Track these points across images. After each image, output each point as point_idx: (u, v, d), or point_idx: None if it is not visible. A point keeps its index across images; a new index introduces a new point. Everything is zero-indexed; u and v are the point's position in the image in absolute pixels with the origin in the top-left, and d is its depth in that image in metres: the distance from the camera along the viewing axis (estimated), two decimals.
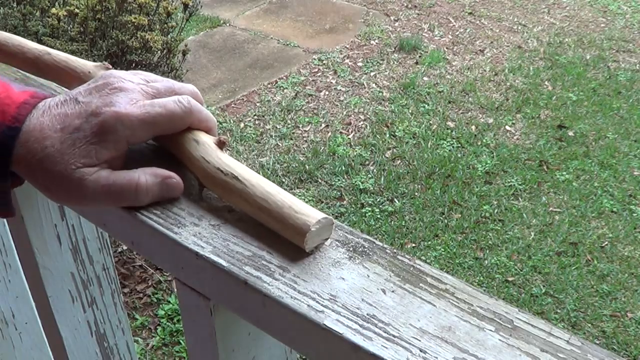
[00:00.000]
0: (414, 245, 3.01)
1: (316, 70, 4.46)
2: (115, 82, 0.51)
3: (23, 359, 0.99)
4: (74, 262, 0.78)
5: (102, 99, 0.49)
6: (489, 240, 3.03)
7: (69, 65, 0.64)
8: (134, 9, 2.65)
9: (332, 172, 3.46)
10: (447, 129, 3.84)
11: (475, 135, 3.78)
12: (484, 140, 3.73)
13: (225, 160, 0.50)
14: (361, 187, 3.35)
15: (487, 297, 0.42)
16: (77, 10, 2.52)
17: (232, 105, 4.08)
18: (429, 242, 3.01)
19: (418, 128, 3.83)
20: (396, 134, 3.79)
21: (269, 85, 4.28)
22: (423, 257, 2.90)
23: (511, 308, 0.41)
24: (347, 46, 4.79)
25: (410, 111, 4.00)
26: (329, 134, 3.80)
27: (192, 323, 0.53)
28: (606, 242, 3.02)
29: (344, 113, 4.00)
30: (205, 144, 0.52)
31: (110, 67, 0.64)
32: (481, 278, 2.83)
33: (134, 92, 0.51)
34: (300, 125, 3.88)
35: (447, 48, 4.77)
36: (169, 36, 2.83)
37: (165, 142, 0.56)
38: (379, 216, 3.17)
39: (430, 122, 3.90)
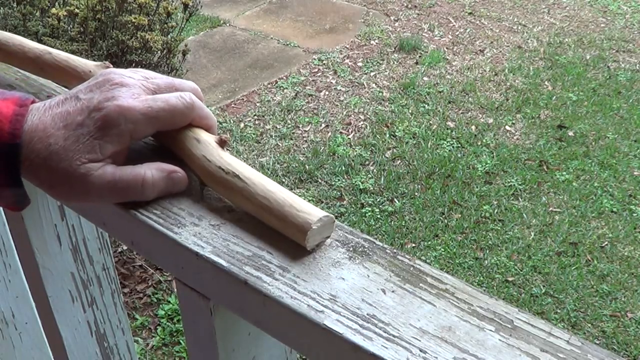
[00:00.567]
0: (414, 245, 3.01)
1: (316, 70, 4.46)
2: (116, 78, 0.51)
3: (23, 359, 0.99)
4: (74, 262, 0.78)
5: (103, 94, 0.49)
6: (489, 240, 3.03)
7: (70, 65, 0.64)
8: (134, 9, 2.65)
9: (332, 172, 3.46)
10: (447, 129, 3.84)
11: (475, 135, 3.78)
12: (484, 140, 3.73)
13: (227, 159, 0.51)
14: (361, 187, 3.35)
15: (487, 297, 0.42)
16: (77, 10, 2.52)
17: (232, 105, 4.08)
18: (429, 242, 3.01)
19: (418, 128, 3.83)
20: (396, 134, 3.79)
21: (269, 85, 4.28)
22: (423, 257, 2.90)
23: (511, 308, 0.41)
24: (347, 46, 4.79)
25: (410, 111, 4.00)
26: (329, 134, 3.80)
27: (192, 323, 0.53)
28: (606, 242, 3.02)
29: (344, 113, 4.00)
30: (207, 143, 0.52)
31: (111, 66, 0.64)
32: (481, 278, 2.83)
33: (135, 87, 0.51)
34: (300, 125, 3.88)
35: (447, 48, 4.77)
36: (169, 36, 2.83)
37: (167, 140, 0.56)
38: (379, 216, 3.17)
39: (430, 122, 3.90)
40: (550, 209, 3.23)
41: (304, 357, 0.44)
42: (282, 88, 4.25)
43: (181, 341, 2.47)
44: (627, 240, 3.03)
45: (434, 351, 0.38)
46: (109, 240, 0.80)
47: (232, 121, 3.89)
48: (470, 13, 5.35)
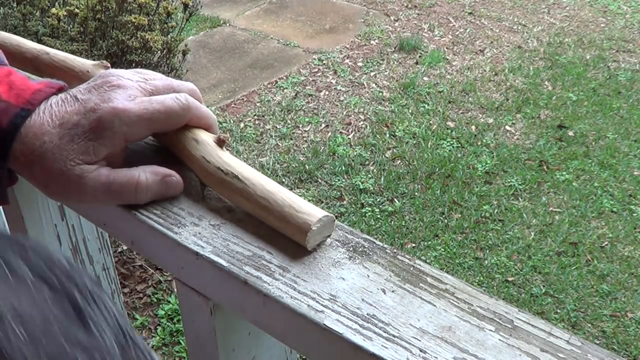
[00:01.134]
0: (414, 245, 3.01)
1: (316, 70, 4.46)
2: (114, 79, 0.51)
3: None
4: (74, 262, 0.78)
5: (100, 95, 0.50)
6: (489, 240, 3.03)
7: (67, 65, 0.64)
8: (134, 9, 2.65)
9: (332, 172, 3.46)
10: (447, 129, 3.84)
11: (475, 135, 3.78)
12: (484, 140, 3.73)
13: (226, 159, 0.51)
14: (361, 187, 3.35)
15: (487, 297, 0.42)
16: (77, 10, 2.52)
17: (232, 105, 4.08)
18: (429, 242, 3.01)
19: (418, 128, 3.83)
20: (396, 134, 3.79)
21: (269, 85, 4.28)
22: (423, 257, 2.90)
23: (511, 308, 0.41)
24: (347, 46, 4.79)
25: (410, 111, 4.00)
26: (329, 134, 3.80)
27: (192, 323, 0.53)
28: (606, 242, 3.02)
29: (344, 113, 4.00)
30: (205, 143, 0.52)
31: (109, 65, 0.64)
32: (481, 278, 2.83)
33: (132, 89, 0.51)
34: (300, 125, 3.88)
35: (447, 48, 4.77)
36: (169, 36, 2.83)
37: (166, 141, 0.56)
38: (379, 216, 3.17)
39: (430, 122, 3.90)
40: (550, 209, 3.23)
41: (304, 357, 0.44)
42: (282, 88, 4.25)
43: (181, 341, 2.47)
44: (627, 240, 3.03)
45: (434, 351, 0.38)
46: (109, 240, 0.80)
47: (232, 121, 3.89)
48: (470, 13, 5.35)
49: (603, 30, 5.04)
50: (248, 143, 3.71)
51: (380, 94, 4.19)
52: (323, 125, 3.88)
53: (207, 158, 0.51)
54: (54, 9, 2.59)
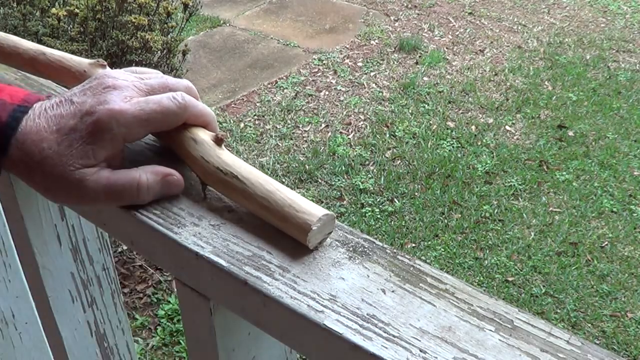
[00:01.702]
0: (414, 245, 3.01)
1: (316, 70, 4.46)
2: (109, 80, 0.51)
3: (23, 359, 0.99)
4: (74, 262, 0.78)
5: (95, 97, 0.49)
6: (489, 240, 3.03)
7: (64, 65, 0.64)
8: (134, 9, 2.65)
9: (332, 172, 3.46)
10: (447, 129, 3.84)
11: (475, 135, 3.78)
12: (484, 140, 3.73)
13: (225, 159, 0.50)
14: (361, 187, 3.35)
15: (487, 297, 0.42)
16: (77, 10, 2.52)
17: (232, 105, 4.08)
18: (429, 242, 3.01)
19: (418, 128, 3.83)
20: (396, 134, 3.79)
21: (269, 85, 4.28)
22: (423, 257, 2.90)
23: (511, 308, 0.41)
24: (347, 46, 4.79)
25: (410, 111, 4.00)
26: (329, 134, 3.80)
27: (192, 323, 0.53)
28: (606, 242, 3.02)
29: (344, 113, 4.00)
30: (204, 142, 0.52)
31: (105, 64, 0.64)
32: (481, 278, 2.83)
33: (128, 90, 0.51)
34: (300, 125, 3.88)
35: (447, 48, 4.77)
36: (169, 36, 2.83)
37: (166, 141, 0.56)
38: (379, 216, 3.17)
39: (430, 122, 3.90)
40: (550, 209, 3.23)
41: (304, 357, 0.44)
42: (282, 88, 4.25)
43: (181, 341, 2.47)
44: (627, 240, 3.03)
45: (433, 351, 0.38)
46: (109, 240, 0.80)
47: (232, 121, 3.89)
48: (470, 13, 5.35)
49: (603, 30, 5.04)
50: (248, 143, 3.71)
51: (380, 94, 4.19)
52: (323, 125, 3.88)
53: (206, 158, 0.51)
54: (54, 9, 2.59)
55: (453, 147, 3.67)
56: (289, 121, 3.91)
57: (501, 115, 3.97)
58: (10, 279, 0.91)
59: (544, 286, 2.79)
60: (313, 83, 4.32)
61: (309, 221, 0.45)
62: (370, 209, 3.21)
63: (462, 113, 4.01)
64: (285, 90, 4.22)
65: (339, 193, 3.32)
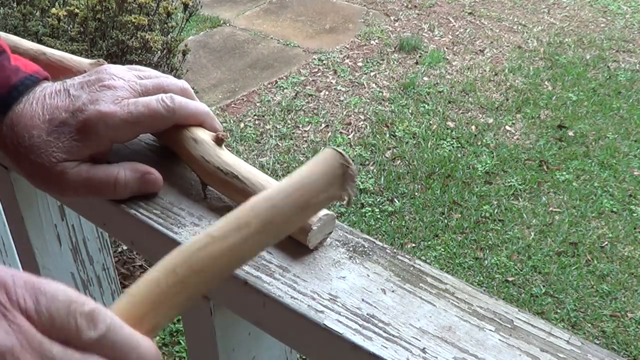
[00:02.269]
0: (414, 245, 3.01)
1: (316, 70, 4.46)
2: (107, 78, 0.52)
3: None
4: (74, 262, 0.78)
5: (90, 95, 0.51)
6: (489, 240, 3.03)
7: (64, 65, 0.64)
8: (134, 9, 2.64)
9: None
10: (447, 129, 3.84)
11: (475, 135, 3.78)
12: (484, 140, 3.73)
13: (225, 159, 0.50)
14: (361, 187, 3.35)
15: (487, 297, 0.42)
16: (77, 10, 2.52)
17: (232, 105, 4.08)
18: (429, 242, 3.01)
19: (418, 128, 3.83)
20: (396, 134, 3.79)
21: (269, 85, 4.28)
22: (423, 257, 2.90)
23: (511, 308, 0.41)
24: (347, 46, 4.78)
25: (410, 111, 4.00)
26: (329, 134, 3.80)
27: (192, 323, 0.53)
28: (606, 242, 3.02)
29: (344, 113, 4.00)
30: (204, 142, 0.52)
31: (105, 63, 0.64)
32: (481, 278, 2.83)
33: (122, 90, 0.52)
34: (300, 125, 3.88)
35: (447, 48, 4.77)
36: (169, 36, 2.83)
37: (166, 140, 0.56)
38: (379, 216, 3.17)
39: (430, 122, 3.90)
40: (550, 209, 3.23)
41: (304, 357, 0.44)
42: (282, 88, 4.25)
43: (181, 341, 2.47)
44: (627, 240, 3.03)
45: (434, 351, 0.38)
46: (109, 240, 0.80)
47: (232, 121, 3.89)
48: (470, 13, 5.35)
49: (603, 30, 5.04)
50: (248, 143, 3.71)
51: (380, 94, 4.19)
52: (323, 125, 3.88)
53: (207, 158, 0.51)
54: (54, 9, 2.59)
55: (453, 147, 3.67)
56: (289, 121, 3.91)
57: (501, 115, 3.97)
58: None
59: (544, 286, 2.79)
60: (313, 83, 4.32)
61: (309, 221, 0.45)
62: (370, 209, 3.21)
63: (462, 113, 4.01)
64: (285, 90, 4.22)
65: None
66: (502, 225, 3.12)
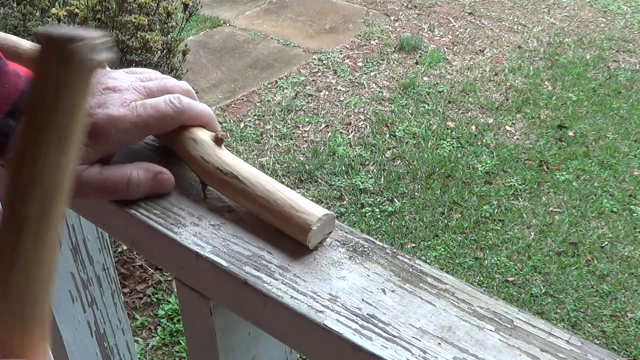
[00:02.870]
0: (414, 245, 3.01)
1: (316, 70, 4.46)
2: (110, 82, 0.52)
3: None
4: (74, 262, 0.78)
5: (95, 98, 0.50)
6: (489, 240, 3.03)
7: None
8: (134, 9, 2.64)
9: (332, 172, 3.46)
10: (447, 129, 3.83)
11: (475, 135, 3.78)
12: (484, 140, 3.73)
13: (225, 159, 0.50)
14: (361, 187, 3.35)
15: (487, 297, 0.42)
16: (77, 10, 2.52)
17: (232, 105, 4.08)
18: (429, 242, 3.01)
19: (418, 128, 3.83)
20: (396, 134, 3.79)
21: (269, 85, 4.28)
22: (423, 257, 2.90)
23: (511, 308, 0.41)
24: (347, 46, 4.78)
25: (410, 111, 4.00)
26: (329, 134, 3.80)
27: (192, 323, 0.53)
28: (606, 242, 3.02)
29: (344, 113, 4.00)
30: (204, 142, 0.52)
31: (106, 65, 0.64)
32: (481, 278, 2.83)
33: (127, 92, 0.51)
34: (300, 125, 3.88)
35: (447, 48, 4.77)
36: (169, 36, 2.83)
37: (166, 141, 0.56)
38: (379, 216, 3.17)
39: (430, 122, 3.90)
40: (550, 209, 3.23)
41: (304, 357, 0.44)
42: (282, 88, 4.25)
43: (181, 341, 2.47)
44: (627, 240, 3.02)
45: (433, 351, 0.38)
46: (109, 240, 0.80)
47: (232, 121, 3.89)
48: (470, 13, 5.35)
49: (603, 30, 5.04)
50: (248, 143, 3.71)
51: (380, 94, 4.19)
52: (323, 125, 3.88)
53: (206, 158, 0.51)
54: (54, 9, 2.59)
55: (453, 147, 3.67)
56: (289, 121, 3.91)
57: (501, 115, 3.97)
58: None
59: (544, 286, 2.79)
60: (313, 83, 4.32)
61: (309, 221, 0.45)
62: (370, 209, 3.21)
63: (462, 113, 4.01)
64: (285, 90, 4.22)
65: (339, 193, 3.32)
66: (502, 225, 3.12)
